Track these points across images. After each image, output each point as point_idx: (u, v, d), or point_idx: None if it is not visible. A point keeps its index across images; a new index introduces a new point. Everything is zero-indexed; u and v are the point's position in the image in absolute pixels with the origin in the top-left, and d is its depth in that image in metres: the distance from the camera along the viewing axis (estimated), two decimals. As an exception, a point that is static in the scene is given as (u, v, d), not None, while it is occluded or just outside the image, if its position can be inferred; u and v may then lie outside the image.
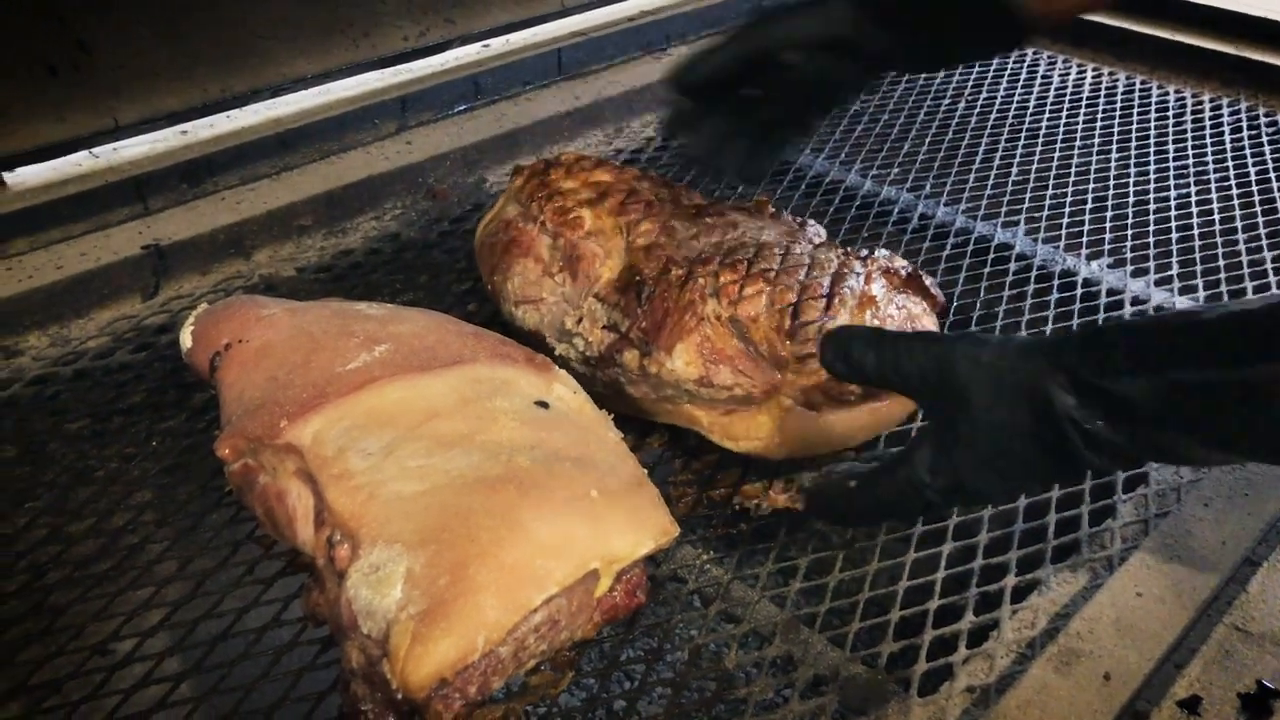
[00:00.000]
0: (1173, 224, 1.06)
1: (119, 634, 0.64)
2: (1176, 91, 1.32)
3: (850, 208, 1.09)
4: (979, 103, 1.31)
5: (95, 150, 1.03)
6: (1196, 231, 1.05)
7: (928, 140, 1.22)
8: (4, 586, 0.67)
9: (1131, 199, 1.10)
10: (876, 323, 0.71)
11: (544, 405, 0.66)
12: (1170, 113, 1.27)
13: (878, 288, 0.72)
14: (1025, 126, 1.25)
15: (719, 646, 0.65)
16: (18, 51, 0.93)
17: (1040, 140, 1.22)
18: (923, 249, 1.01)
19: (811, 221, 0.81)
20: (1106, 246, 1.03)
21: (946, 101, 1.32)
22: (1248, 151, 1.19)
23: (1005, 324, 0.91)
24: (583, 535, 0.57)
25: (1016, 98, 1.32)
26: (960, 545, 0.70)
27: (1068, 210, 1.09)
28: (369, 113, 1.16)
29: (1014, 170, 1.16)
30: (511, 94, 1.27)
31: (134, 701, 0.60)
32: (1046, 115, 1.28)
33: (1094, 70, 1.39)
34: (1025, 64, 1.41)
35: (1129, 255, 1.02)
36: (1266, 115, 1.25)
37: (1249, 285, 0.97)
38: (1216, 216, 1.07)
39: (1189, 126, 1.24)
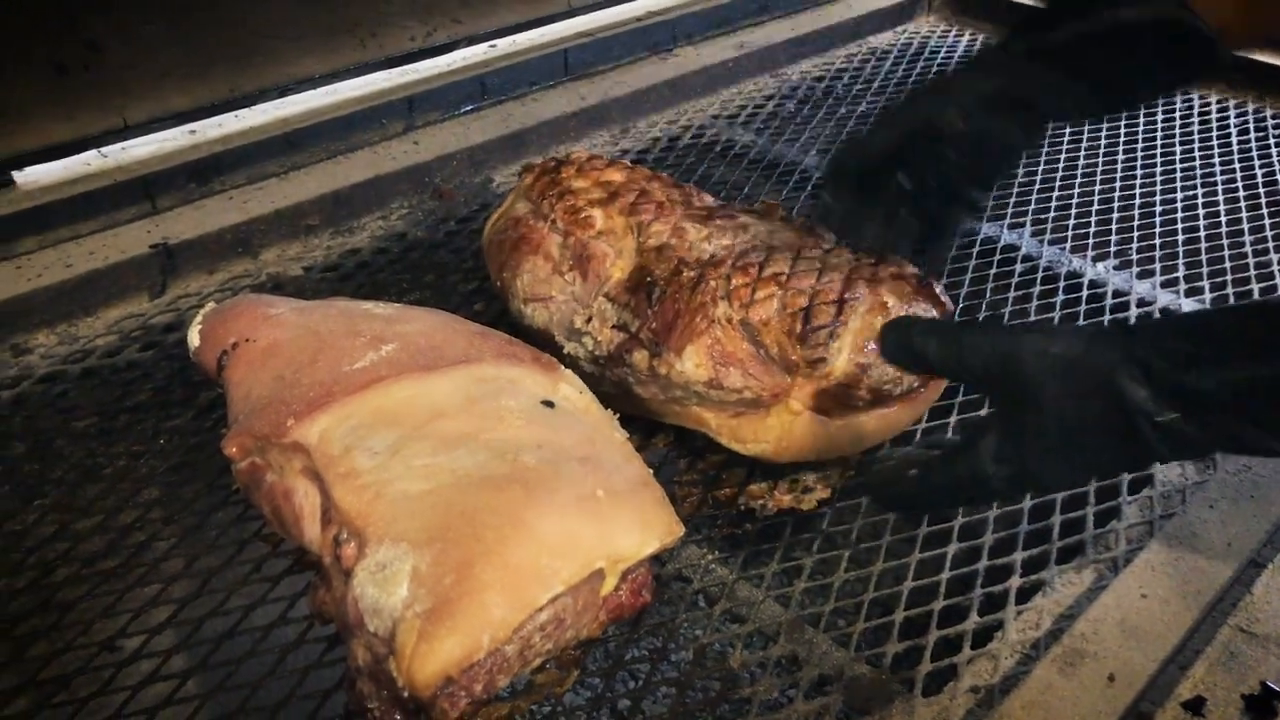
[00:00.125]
0: (1179, 226, 1.06)
1: (126, 630, 0.64)
2: (1182, 93, 1.32)
3: (856, 208, 1.09)
4: (985, 104, 1.31)
5: (104, 150, 1.03)
6: (1203, 234, 1.05)
7: (934, 141, 1.22)
8: (13, 583, 0.67)
9: (1138, 201, 1.10)
10: None
11: (550, 405, 0.66)
12: (1176, 114, 1.27)
13: (888, 293, 0.72)
14: (1032, 128, 1.25)
15: (724, 646, 0.65)
16: (28, 51, 0.93)
17: (1046, 142, 1.22)
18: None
19: (820, 224, 0.81)
20: (1113, 248, 1.03)
21: (953, 102, 1.32)
22: (1254, 154, 1.19)
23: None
24: (588, 534, 0.57)
25: (1023, 99, 1.32)
26: (965, 546, 0.70)
27: (1074, 212, 1.09)
28: (376, 113, 1.16)
29: (1020, 172, 1.16)
30: (518, 94, 1.27)
31: (141, 698, 0.61)
32: (1053, 116, 1.27)
33: (1101, 71, 1.39)
34: (1032, 65, 1.41)
35: (1135, 257, 1.02)
36: (1273, 117, 1.25)
37: (1255, 288, 0.97)
38: (1223, 219, 1.07)
39: (1195, 128, 1.24)
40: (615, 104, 1.27)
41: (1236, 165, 1.16)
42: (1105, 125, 1.25)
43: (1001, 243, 1.03)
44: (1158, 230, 1.05)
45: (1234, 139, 1.21)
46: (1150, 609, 0.64)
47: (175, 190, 1.04)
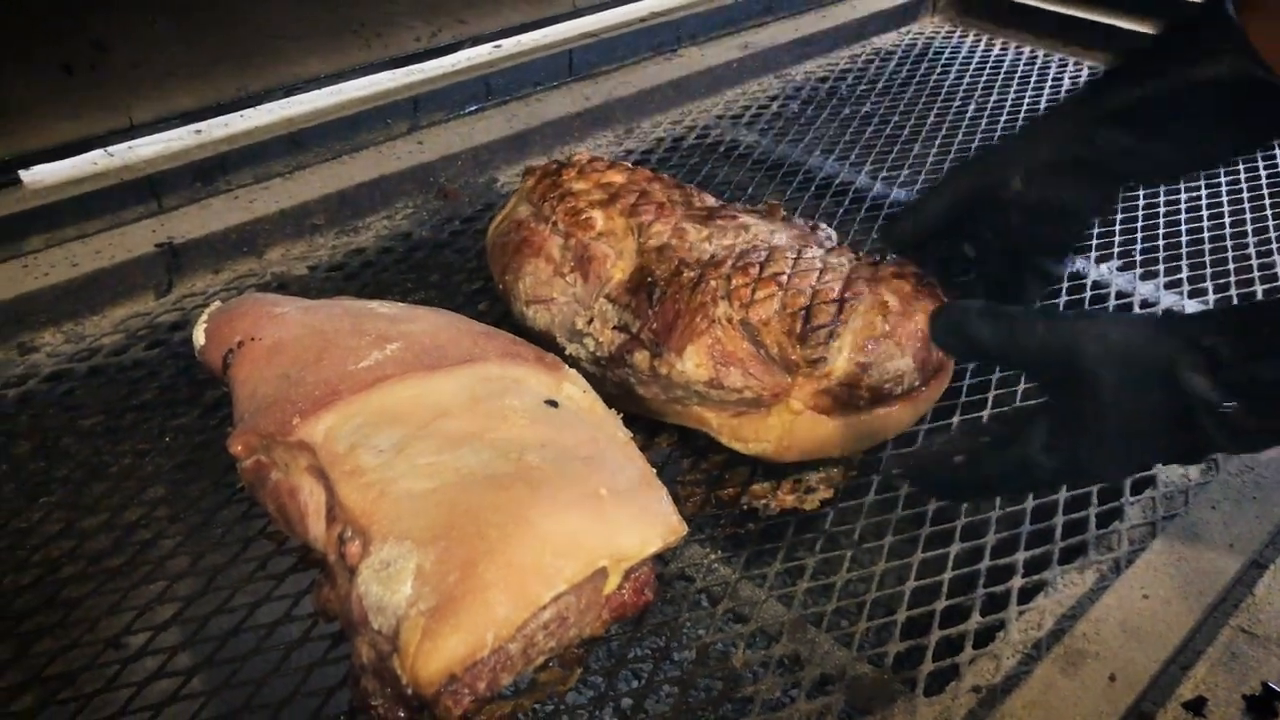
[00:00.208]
0: (1183, 227, 1.06)
1: (132, 628, 0.65)
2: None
3: (860, 209, 1.09)
4: (989, 105, 1.31)
5: (110, 149, 1.03)
6: (1206, 235, 1.05)
7: (938, 142, 1.23)
8: (19, 580, 0.68)
9: (1141, 202, 1.10)
10: (887, 328, 0.71)
11: (554, 404, 0.66)
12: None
13: (889, 293, 0.72)
14: (1036, 129, 1.25)
15: (726, 645, 0.65)
16: (35, 51, 0.94)
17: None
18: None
19: (823, 225, 0.81)
20: (1116, 249, 1.03)
21: (957, 103, 1.32)
22: (1258, 155, 1.18)
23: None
24: (592, 533, 0.57)
25: (1027, 100, 1.32)
26: (968, 546, 0.70)
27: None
28: (381, 112, 1.16)
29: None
30: (522, 94, 1.27)
31: (146, 694, 0.61)
32: (1057, 117, 1.28)
33: (1105, 73, 1.39)
34: (1036, 66, 1.41)
35: (1139, 258, 1.02)
36: (1278, 118, 1.25)
37: (1259, 289, 0.97)
38: (1227, 220, 1.07)
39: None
40: (619, 104, 1.27)
41: (1240, 167, 1.16)
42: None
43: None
44: (1161, 231, 1.06)
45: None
46: (1152, 609, 0.64)
47: (181, 189, 1.04)
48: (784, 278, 0.73)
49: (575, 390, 0.69)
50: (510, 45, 1.31)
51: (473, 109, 1.24)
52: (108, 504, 0.74)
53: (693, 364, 0.71)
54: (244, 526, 0.72)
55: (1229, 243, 1.03)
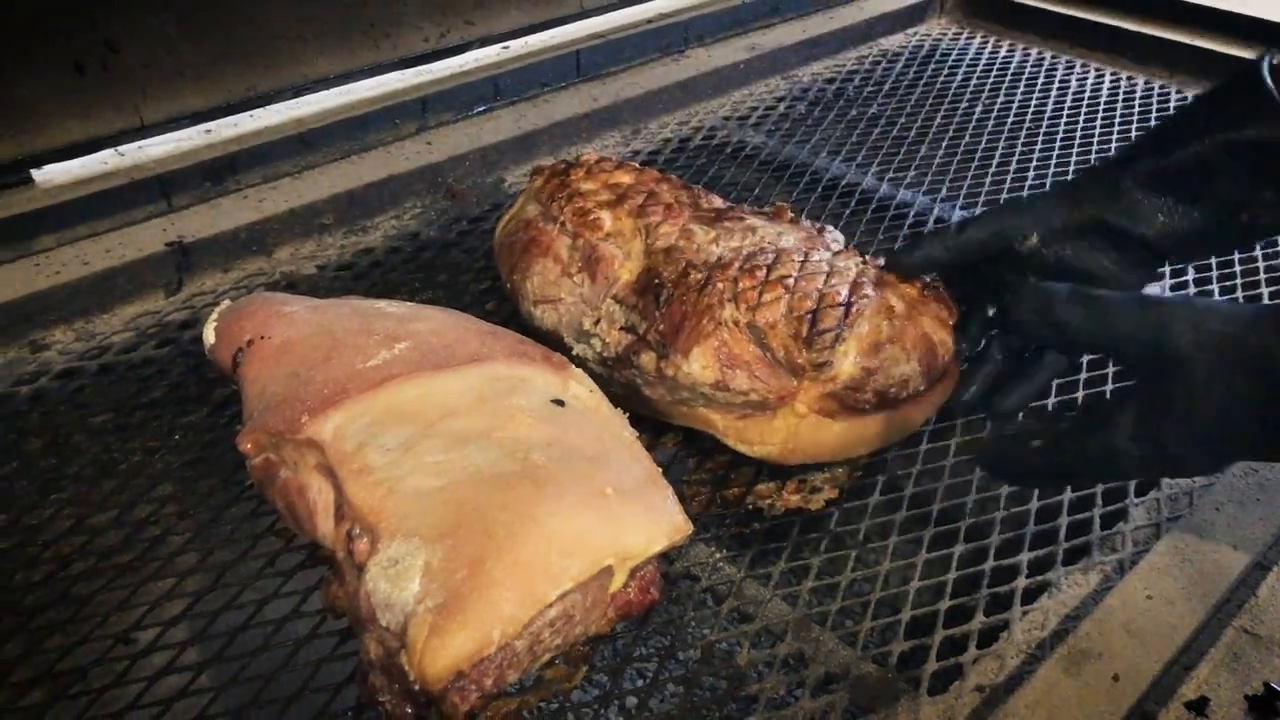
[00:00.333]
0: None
1: (141, 623, 0.65)
2: (1194, 96, 1.32)
3: (866, 210, 1.10)
4: (996, 106, 1.32)
5: (121, 149, 1.04)
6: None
7: (944, 143, 1.23)
8: (30, 576, 0.68)
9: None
10: (893, 332, 0.71)
11: (560, 403, 0.66)
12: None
13: (896, 297, 0.72)
14: (1043, 130, 1.25)
15: (731, 644, 0.66)
16: (47, 51, 0.94)
17: (1058, 143, 1.22)
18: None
19: (830, 227, 0.81)
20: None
21: (964, 105, 1.32)
22: None
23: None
24: (598, 532, 0.57)
25: (1034, 101, 1.32)
26: (972, 547, 0.70)
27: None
28: (390, 113, 1.17)
29: (1031, 173, 1.16)
30: (530, 95, 1.28)
31: (156, 690, 0.61)
32: (1064, 119, 1.28)
33: (1112, 74, 1.39)
34: (1043, 67, 1.42)
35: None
36: None
37: (1265, 292, 0.97)
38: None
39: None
40: (627, 105, 1.28)
41: None
42: (1118, 127, 1.25)
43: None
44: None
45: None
46: (1156, 610, 0.65)
47: (191, 189, 1.05)
48: (790, 281, 0.73)
49: (582, 390, 0.69)
50: (518, 46, 1.31)
51: (481, 109, 1.24)
52: (117, 501, 0.74)
53: (699, 366, 0.72)
54: (252, 524, 0.72)
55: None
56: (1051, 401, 0.82)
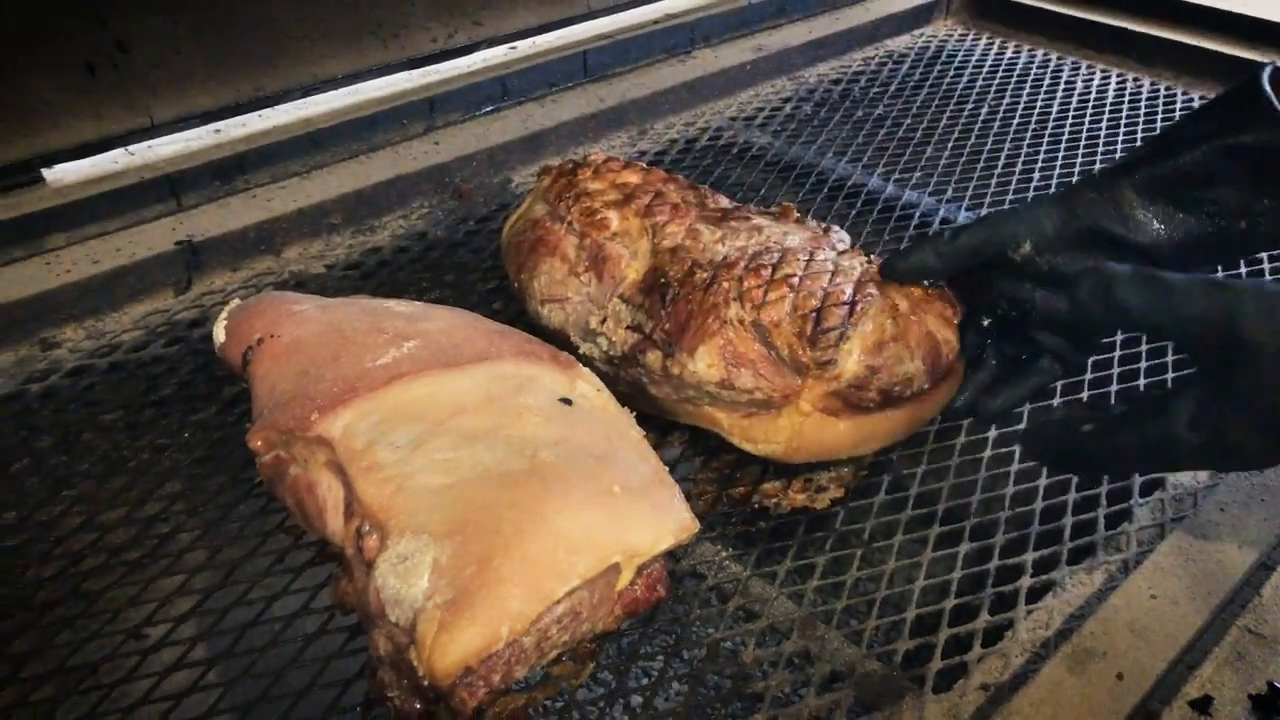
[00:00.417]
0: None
1: (151, 619, 0.66)
2: (1202, 97, 1.32)
3: (872, 211, 1.10)
4: (1002, 107, 1.32)
5: (131, 148, 1.05)
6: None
7: (950, 144, 1.23)
8: (41, 571, 0.69)
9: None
10: (897, 331, 0.71)
11: (568, 402, 0.67)
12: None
13: (900, 296, 0.73)
14: (1049, 131, 1.26)
15: (737, 642, 0.66)
16: (58, 51, 0.95)
17: (1064, 145, 1.22)
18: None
19: (835, 227, 0.82)
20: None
21: (970, 106, 1.32)
22: None
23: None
24: (605, 529, 0.58)
25: (1040, 103, 1.33)
26: (977, 546, 0.71)
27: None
28: (397, 113, 1.17)
29: (1036, 174, 1.16)
30: (537, 95, 1.28)
31: (166, 685, 0.62)
32: (1070, 120, 1.28)
33: (1118, 75, 1.39)
34: (1049, 69, 1.42)
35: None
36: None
37: (1270, 292, 0.97)
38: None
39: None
40: (633, 105, 1.28)
41: None
42: (1124, 129, 1.25)
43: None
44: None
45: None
46: (1160, 610, 0.65)
47: (200, 188, 1.05)
48: (795, 279, 0.73)
49: (589, 388, 0.69)
50: (525, 47, 1.32)
51: (488, 110, 1.25)
52: (127, 498, 0.75)
53: (704, 364, 0.72)
54: (261, 521, 0.73)
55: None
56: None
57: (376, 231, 1.07)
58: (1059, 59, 1.45)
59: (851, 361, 0.70)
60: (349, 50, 1.15)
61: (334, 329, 0.71)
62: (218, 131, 1.09)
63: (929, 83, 1.39)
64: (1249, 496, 0.73)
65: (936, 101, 1.34)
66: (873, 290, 0.72)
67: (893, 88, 1.38)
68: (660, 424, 0.79)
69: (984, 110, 1.31)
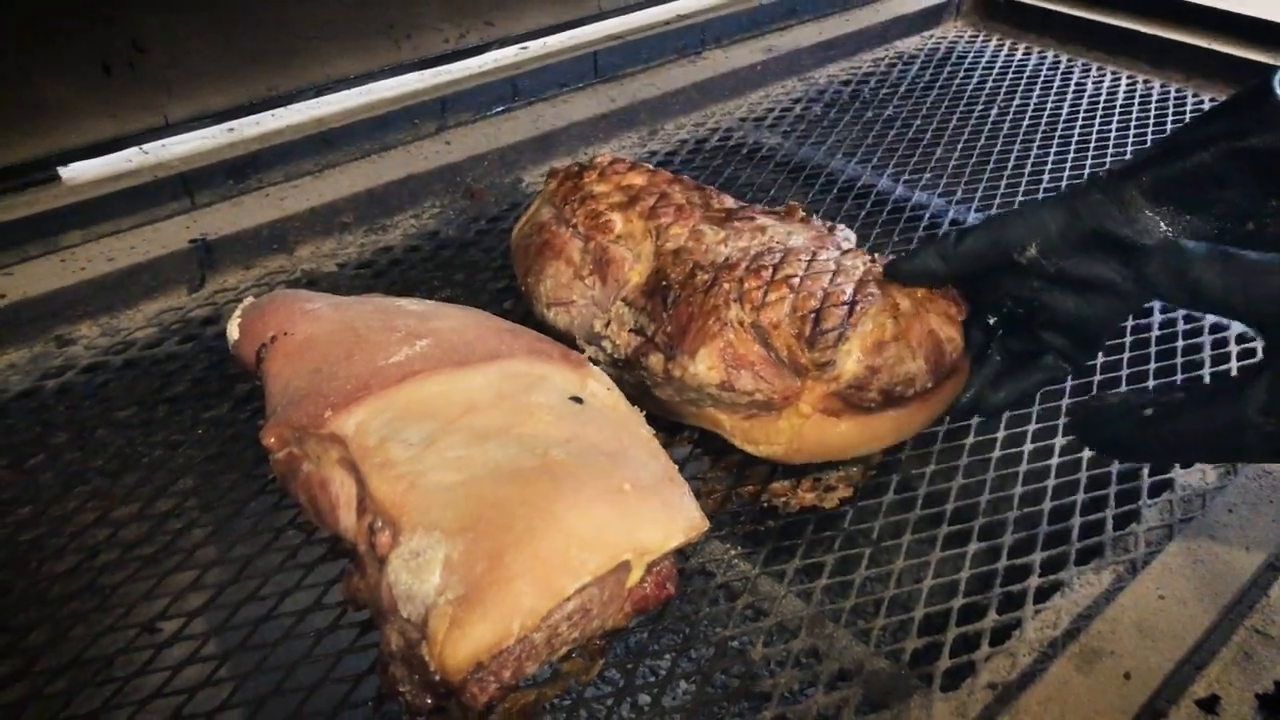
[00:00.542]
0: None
1: (165, 614, 0.66)
2: (1212, 99, 1.32)
3: (881, 212, 1.10)
4: (1012, 109, 1.32)
5: (145, 147, 1.05)
6: None
7: (960, 146, 1.23)
8: (56, 566, 0.69)
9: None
10: (897, 331, 0.71)
11: (578, 401, 0.67)
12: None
13: (901, 295, 0.72)
14: (1059, 133, 1.26)
15: (746, 639, 0.66)
16: (75, 51, 0.96)
17: (1073, 147, 1.22)
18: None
19: (841, 226, 0.81)
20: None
21: (980, 107, 1.32)
22: None
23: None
24: (615, 527, 0.58)
25: (1050, 104, 1.33)
26: (985, 546, 0.71)
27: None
28: (409, 113, 1.18)
29: (1046, 176, 1.16)
30: (548, 96, 1.29)
31: (180, 679, 0.62)
32: (1080, 122, 1.28)
33: (1129, 77, 1.39)
34: (1059, 71, 1.42)
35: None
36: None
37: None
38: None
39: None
40: (644, 106, 1.29)
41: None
42: (1134, 131, 1.25)
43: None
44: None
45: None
46: (1167, 610, 0.65)
47: (214, 187, 1.06)
48: (796, 280, 0.72)
49: (599, 387, 0.70)
50: (536, 47, 1.32)
51: (499, 110, 1.25)
52: (141, 494, 0.75)
53: (705, 367, 0.72)
54: (274, 517, 0.73)
55: None
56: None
57: (388, 230, 1.08)
58: (1069, 60, 1.45)
59: (851, 362, 0.69)
60: (361, 50, 1.16)
61: (347, 327, 0.71)
62: (231, 131, 1.10)
63: (939, 84, 1.39)
64: (1257, 498, 0.73)
65: (946, 103, 1.34)
66: (874, 290, 0.72)
67: (903, 89, 1.38)
68: (668, 423, 0.79)
69: (994, 111, 1.31)
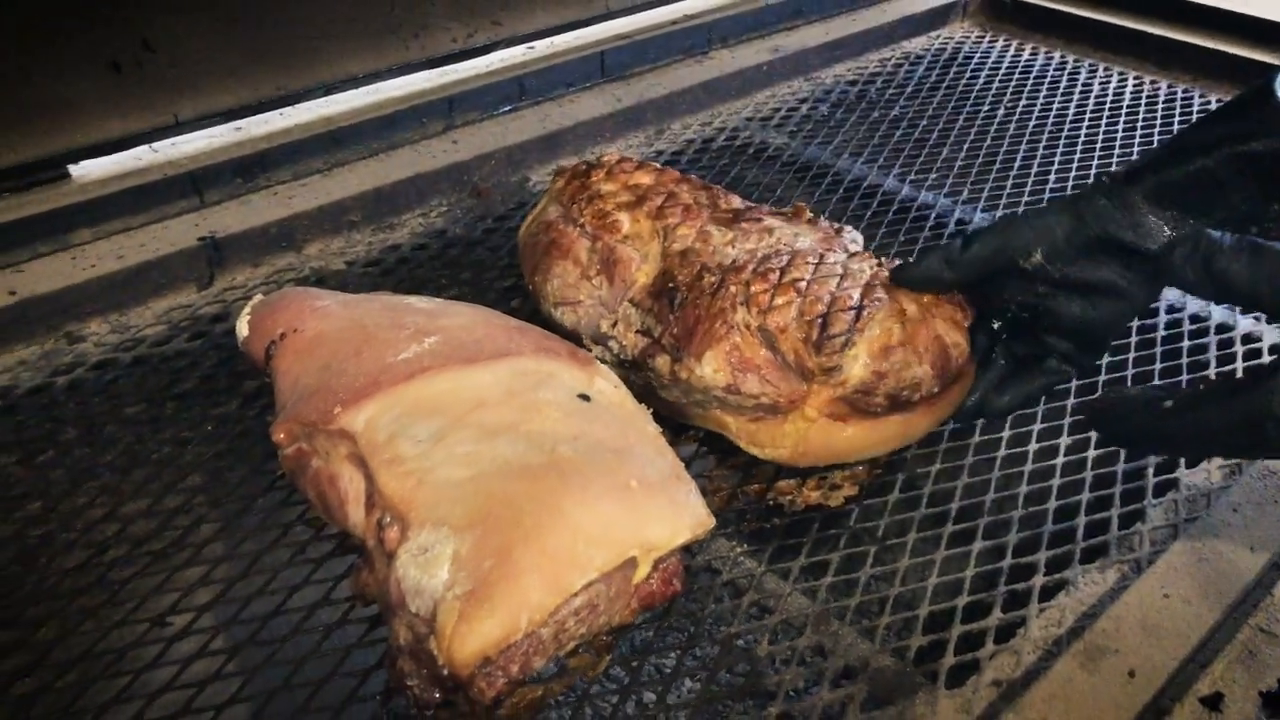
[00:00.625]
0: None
1: (175, 609, 0.66)
2: (1219, 100, 1.32)
3: (888, 212, 1.10)
4: (1018, 109, 1.32)
5: (155, 145, 1.06)
6: None
7: (967, 146, 1.23)
8: (66, 561, 0.70)
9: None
10: (904, 336, 0.71)
11: (586, 398, 0.67)
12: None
13: (908, 300, 0.72)
14: (1065, 133, 1.26)
15: (751, 637, 0.66)
16: (85, 49, 0.96)
17: (1080, 147, 1.22)
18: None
19: (848, 227, 0.81)
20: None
21: (986, 107, 1.33)
22: None
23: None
24: (622, 523, 0.58)
25: (1056, 104, 1.33)
26: (989, 545, 0.71)
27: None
28: (417, 112, 1.18)
29: (1053, 177, 1.16)
30: (555, 95, 1.29)
31: (189, 673, 0.63)
32: (1086, 122, 1.28)
33: (1135, 78, 1.39)
34: (1066, 71, 1.42)
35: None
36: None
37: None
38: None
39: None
40: (650, 105, 1.29)
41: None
42: (1140, 131, 1.25)
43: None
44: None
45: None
46: (1172, 608, 0.65)
47: (222, 185, 1.07)
48: (803, 284, 0.72)
49: (607, 385, 0.70)
50: (544, 47, 1.32)
51: (506, 109, 1.26)
52: (150, 490, 0.76)
53: (711, 369, 0.72)
54: (283, 513, 0.73)
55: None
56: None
57: (396, 229, 1.08)
58: (1076, 61, 1.45)
59: (857, 367, 0.70)
60: (369, 50, 1.16)
61: (356, 324, 0.72)
62: (240, 129, 1.11)
63: (945, 84, 1.40)
64: (1262, 498, 0.73)
65: (953, 103, 1.34)
66: (880, 294, 0.72)
67: (909, 89, 1.39)
68: (675, 421, 0.80)
69: (1000, 112, 1.31)
